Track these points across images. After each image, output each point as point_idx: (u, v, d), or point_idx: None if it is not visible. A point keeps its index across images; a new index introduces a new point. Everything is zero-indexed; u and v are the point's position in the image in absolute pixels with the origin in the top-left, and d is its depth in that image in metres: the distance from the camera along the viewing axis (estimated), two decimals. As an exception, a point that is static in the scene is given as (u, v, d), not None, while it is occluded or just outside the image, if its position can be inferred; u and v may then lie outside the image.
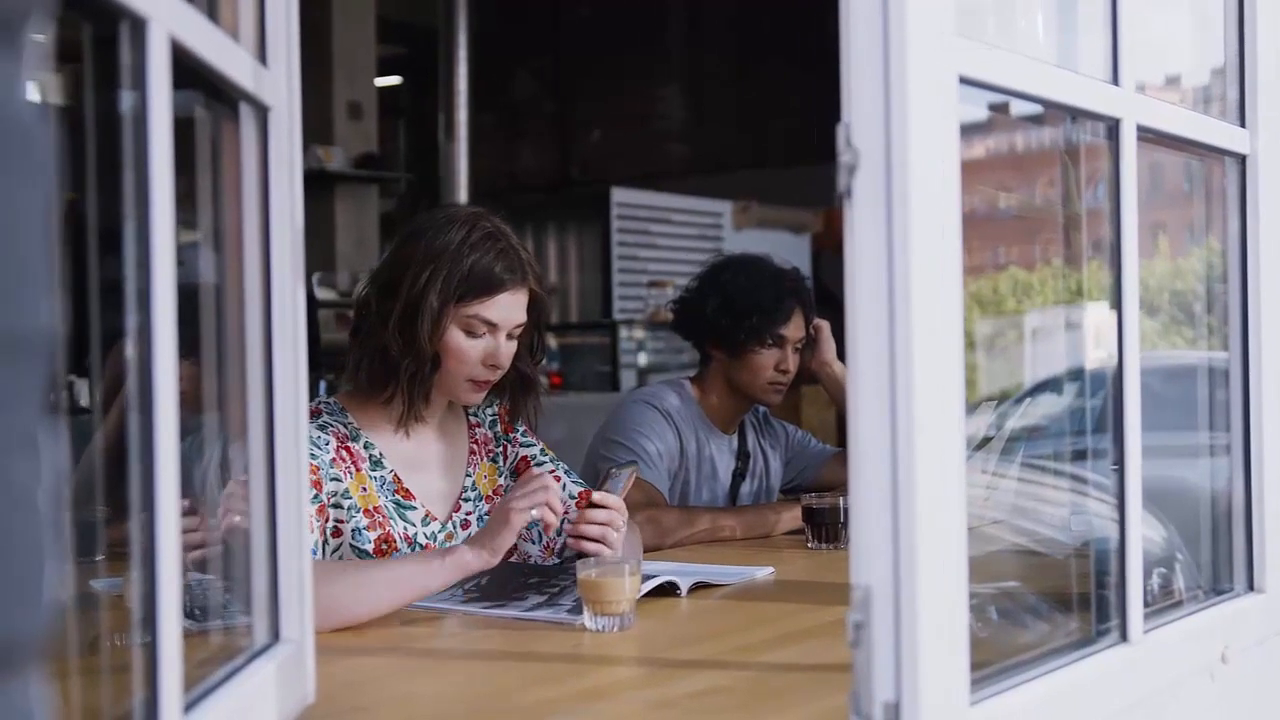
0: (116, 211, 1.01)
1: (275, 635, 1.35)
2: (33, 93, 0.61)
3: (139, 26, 0.98)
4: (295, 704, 1.36)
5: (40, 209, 0.59)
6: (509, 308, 2.16)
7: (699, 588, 2.14)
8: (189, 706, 1.08)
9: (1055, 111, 1.57)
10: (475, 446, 2.34)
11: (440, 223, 2.17)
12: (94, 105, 1.04)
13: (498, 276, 2.14)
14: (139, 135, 0.99)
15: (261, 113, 1.33)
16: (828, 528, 2.59)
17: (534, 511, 1.94)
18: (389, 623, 1.89)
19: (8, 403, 0.57)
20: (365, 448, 2.19)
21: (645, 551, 2.58)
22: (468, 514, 2.28)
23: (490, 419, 2.38)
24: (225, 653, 1.31)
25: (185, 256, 1.08)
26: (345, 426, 2.18)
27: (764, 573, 2.31)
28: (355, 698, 1.55)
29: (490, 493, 2.32)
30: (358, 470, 2.15)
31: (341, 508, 2.10)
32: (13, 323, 0.57)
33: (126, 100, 1.00)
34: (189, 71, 1.10)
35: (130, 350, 1.00)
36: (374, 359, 2.16)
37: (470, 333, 2.15)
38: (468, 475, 2.30)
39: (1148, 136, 1.56)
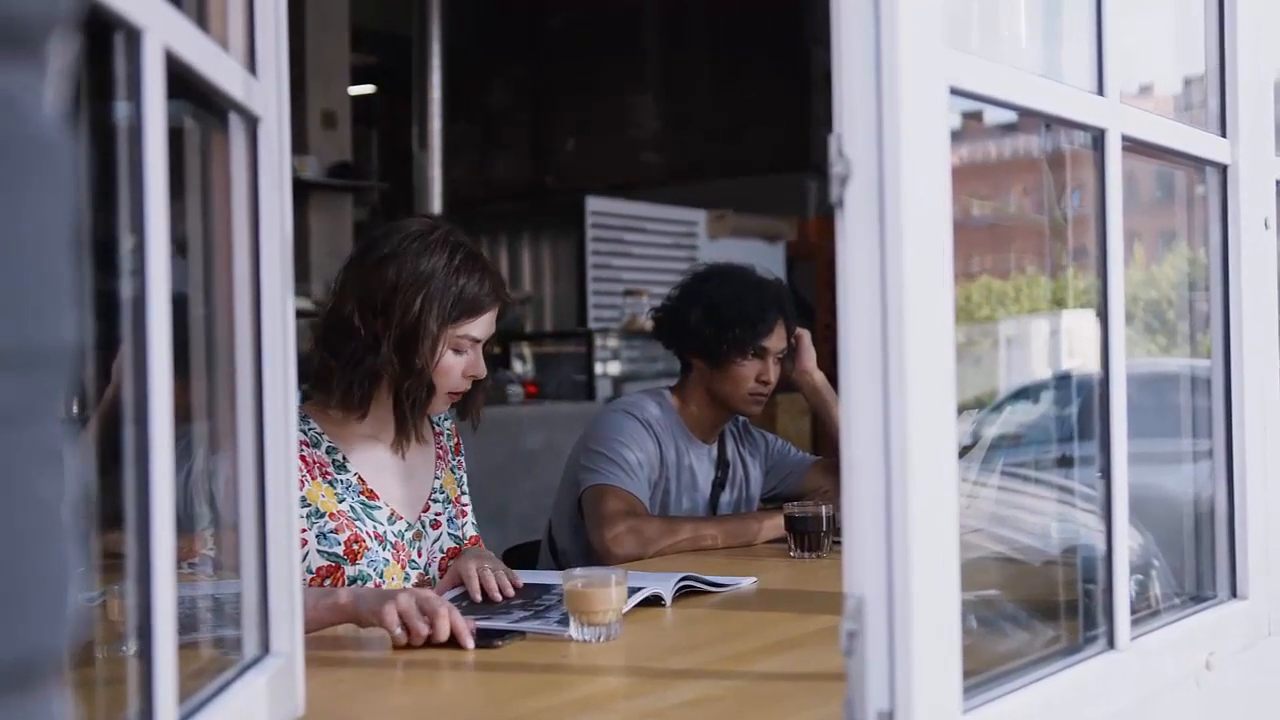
0: (109, 221, 1.00)
1: (265, 648, 1.34)
2: (56, 105, 0.60)
3: (134, 37, 0.98)
4: (285, 717, 1.36)
5: (64, 221, 0.59)
6: (490, 323, 2.28)
7: (686, 592, 2.14)
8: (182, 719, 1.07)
9: (1030, 120, 1.58)
10: (441, 452, 2.42)
11: (415, 247, 2.21)
12: (86, 115, 1.03)
13: (486, 297, 2.25)
14: (134, 145, 0.99)
15: (251, 123, 1.32)
16: (810, 536, 2.59)
17: (398, 631, 1.83)
18: (377, 635, 1.89)
19: (31, 416, 0.57)
20: (328, 453, 2.24)
21: (628, 561, 2.59)
22: (437, 514, 2.36)
23: (447, 433, 2.45)
24: (214, 665, 1.31)
25: (173, 266, 1.08)
26: (305, 433, 2.22)
27: (748, 582, 2.31)
28: (344, 710, 1.54)
29: (454, 498, 2.41)
30: (314, 479, 2.19)
31: (300, 516, 2.12)
32: (37, 336, 0.57)
33: (120, 110, 1.00)
34: (179, 81, 1.10)
35: (125, 361, 0.99)
36: (365, 381, 2.21)
37: (457, 350, 2.24)
38: (436, 478, 2.38)
39: (1131, 146, 1.57)
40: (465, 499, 2.46)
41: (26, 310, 0.56)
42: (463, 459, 2.47)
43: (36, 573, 0.57)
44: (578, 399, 7.29)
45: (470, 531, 2.44)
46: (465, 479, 2.48)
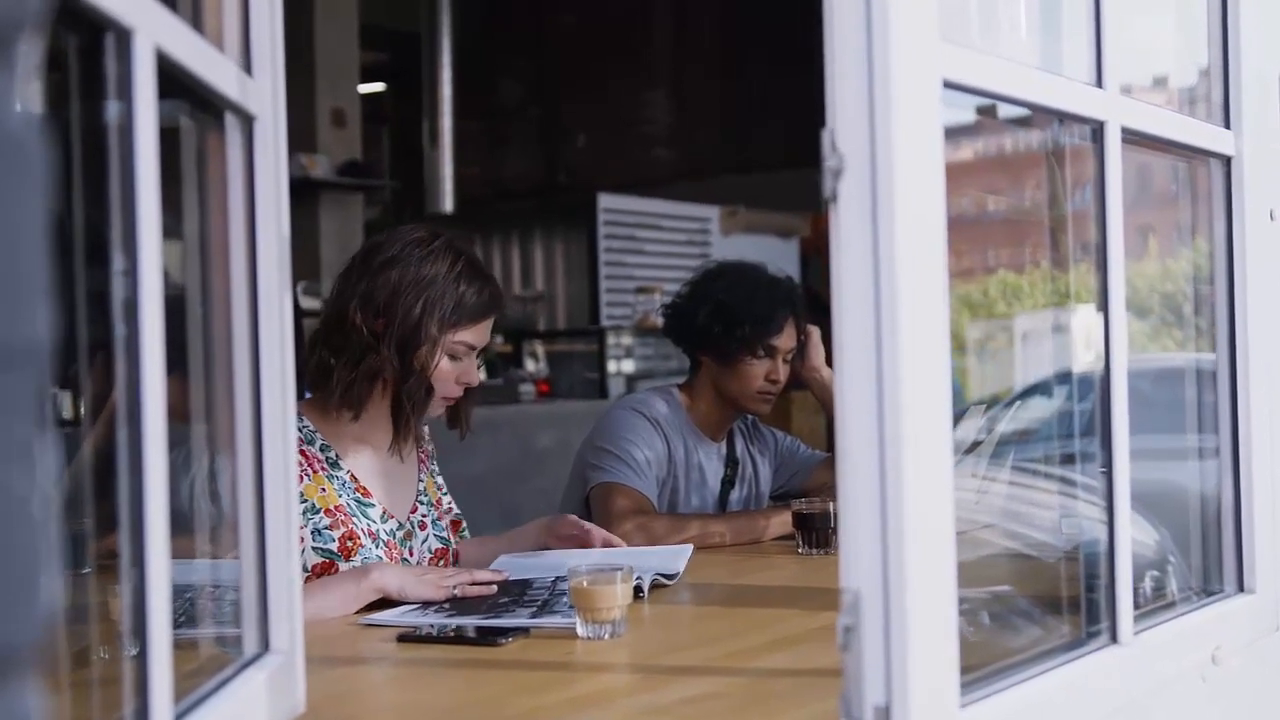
0: (101, 222, 1.01)
1: (265, 645, 1.35)
2: (26, 104, 0.61)
3: (124, 37, 0.98)
4: (285, 714, 1.36)
5: (36, 220, 0.60)
6: (486, 332, 2.32)
7: (659, 588, 2.18)
8: (179, 717, 1.07)
9: (1041, 114, 1.57)
10: (423, 457, 2.46)
11: (418, 252, 2.25)
12: (78, 115, 1.03)
13: (486, 306, 2.28)
14: (125, 145, 0.99)
15: (247, 122, 1.32)
16: (818, 533, 2.59)
17: (456, 591, 2.09)
18: (379, 634, 1.89)
19: (4, 412, 0.57)
20: (321, 450, 2.27)
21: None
22: (423, 516, 2.40)
23: (425, 438, 2.49)
24: (213, 663, 1.31)
25: (169, 267, 1.08)
26: (300, 431, 2.24)
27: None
28: (344, 708, 1.54)
29: (435, 501, 2.45)
30: (315, 473, 2.23)
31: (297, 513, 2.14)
32: (9, 333, 0.57)
33: (112, 110, 1.00)
34: (173, 81, 1.10)
35: (118, 362, 0.99)
36: (364, 381, 2.23)
37: (453, 357, 2.28)
38: (420, 481, 2.42)
39: (1132, 139, 1.56)
40: (447, 498, 2.50)
41: (0, 308, 0.57)
42: (436, 465, 2.51)
43: (8, 567, 0.57)
44: (590, 397, 7.28)
45: (434, 547, 2.43)
46: (441, 480, 2.51)
